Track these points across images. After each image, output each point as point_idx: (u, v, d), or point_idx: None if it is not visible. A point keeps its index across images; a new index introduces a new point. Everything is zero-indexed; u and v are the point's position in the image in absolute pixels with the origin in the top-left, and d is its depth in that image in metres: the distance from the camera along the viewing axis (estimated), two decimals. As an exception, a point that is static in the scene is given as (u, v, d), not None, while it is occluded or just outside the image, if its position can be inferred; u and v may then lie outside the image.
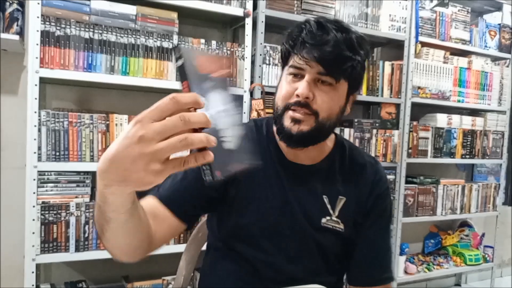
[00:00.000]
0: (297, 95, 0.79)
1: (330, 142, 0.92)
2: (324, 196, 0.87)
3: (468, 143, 2.55)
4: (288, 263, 0.86)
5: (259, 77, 1.87)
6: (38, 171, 1.50)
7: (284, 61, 0.85)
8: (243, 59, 1.83)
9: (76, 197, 1.58)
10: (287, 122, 0.81)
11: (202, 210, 0.89)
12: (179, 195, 0.81)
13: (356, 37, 0.81)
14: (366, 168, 0.92)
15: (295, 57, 0.80)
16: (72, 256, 1.57)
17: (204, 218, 1.16)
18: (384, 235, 0.92)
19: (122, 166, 0.45)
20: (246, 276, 0.87)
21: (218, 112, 0.49)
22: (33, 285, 1.51)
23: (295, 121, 0.80)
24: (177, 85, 1.70)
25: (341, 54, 0.78)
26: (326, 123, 0.81)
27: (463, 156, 2.54)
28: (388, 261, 0.93)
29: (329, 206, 0.87)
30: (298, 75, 0.81)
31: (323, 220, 0.86)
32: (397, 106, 2.30)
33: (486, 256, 2.74)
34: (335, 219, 0.86)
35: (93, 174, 1.62)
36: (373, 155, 2.21)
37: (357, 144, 2.13)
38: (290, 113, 0.81)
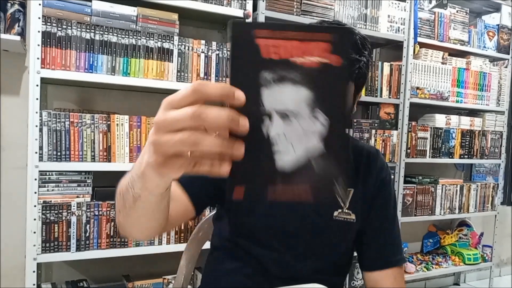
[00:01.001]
0: None
1: None
2: None
3: (467, 143, 2.57)
4: (296, 261, 0.87)
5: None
6: (40, 171, 1.51)
7: None
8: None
9: (77, 197, 1.59)
10: None
11: (213, 199, 0.89)
12: (197, 179, 0.81)
13: (360, 38, 0.83)
14: (369, 158, 0.94)
15: None
16: (73, 255, 1.58)
17: (204, 218, 1.18)
18: (394, 219, 0.94)
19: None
20: (252, 273, 0.88)
21: (280, 115, 0.38)
22: (34, 285, 1.52)
23: None
24: (177, 85, 1.72)
25: (347, 55, 0.79)
26: None
27: (462, 156, 2.55)
28: (399, 243, 0.95)
29: (339, 199, 0.87)
30: None
31: (335, 213, 0.87)
32: (396, 106, 2.32)
33: (485, 255, 2.76)
34: (346, 211, 0.87)
35: (94, 174, 1.63)
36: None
37: (378, 149, 2.14)
38: None
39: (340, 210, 0.87)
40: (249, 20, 1.84)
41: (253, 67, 0.38)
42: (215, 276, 0.95)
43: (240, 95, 0.37)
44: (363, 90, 2.18)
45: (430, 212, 2.46)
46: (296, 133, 0.38)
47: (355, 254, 0.96)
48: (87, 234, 1.59)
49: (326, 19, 2.03)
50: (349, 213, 0.88)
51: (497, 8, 2.74)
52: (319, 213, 0.87)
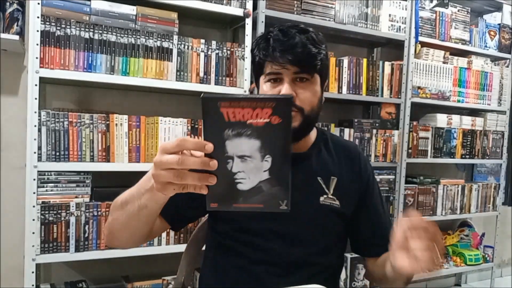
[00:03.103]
0: None
1: (313, 132, 1.01)
2: (318, 178, 0.96)
3: (468, 143, 2.55)
4: (289, 247, 0.91)
5: (259, 77, 1.87)
6: (38, 171, 1.50)
7: (259, 71, 0.94)
8: (243, 59, 1.83)
9: (76, 197, 1.58)
10: None
11: (189, 213, 0.95)
12: (172, 204, 0.83)
13: (315, 35, 0.91)
14: (350, 149, 1.04)
15: (271, 65, 0.89)
16: (72, 256, 1.57)
17: (204, 219, 1.16)
18: (384, 208, 1.05)
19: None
20: (248, 264, 0.91)
21: (240, 157, 0.58)
22: (33, 285, 1.51)
23: None
24: (176, 85, 1.71)
25: (310, 52, 0.88)
26: (311, 115, 0.92)
27: (463, 156, 2.54)
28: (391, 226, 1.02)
29: (324, 186, 0.96)
30: (277, 80, 0.90)
31: (321, 198, 0.95)
32: (397, 106, 2.31)
33: (486, 256, 2.75)
34: (331, 196, 0.95)
35: (93, 174, 1.62)
36: (373, 155, 2.22)
37: (357, 144, 2.14)
38: None
39: (325, 196, 0.95)
40: (249, 19, 1.83)
41: (219, 127, 0.56)
42: (212, 271, 0.98)
43: (209, 147, 0.56)
44: (364, 90, 2.17)
45: (431, 212, 2.45)
46: (251, 168, 0.58)
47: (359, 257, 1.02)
48: (86, 235, 1.58)
49: (326, 18, 2.03)
50: (333, 199, 0.95)
51: (498, 8, 2.72)
52: (306, 199, 0.93)
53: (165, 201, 0.71)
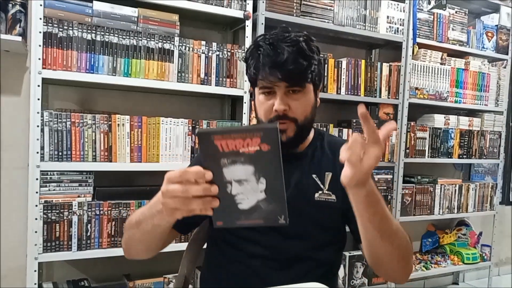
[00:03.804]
0: (276, 110, 0.91)
1: (310, 133, 1.04)
2: (314, 175, 0.98)
3: (465, 143, 2.58)
4: (286, 242, 0.94)
5: (259, 78, 1.89)
6: (41, 171, 1.52)
7: (253, 83, 0.97)
8: (243, 61, 1.85)
9: (79, 197, 1.60)
10: None
11: (196, 218, 0.94)
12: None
13: (305, 42, 0.91)
14: (343, 145, 1.01)
15: (262, 81, 0.92)
16: (74, 254, 1.59)
17: (205, 217, 1.19)
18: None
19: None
20: (246, 258, 0.94)
21: (237, 181, 0.64)
22: (35, 284, 1.53)
23: (281, 131, 0.90)
24: (177, 86, 1.73)
25: (300, 66, 0.89)
26: (305, 123, 0.95)
27: (460, 156, 2.56)
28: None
29: (319, 182, 0.97)
30: (270, 92, 0.93)
31: (316, 195, 0.96)
32: (395, 106, 2.33)
33: (484, 255, 2.77)
34: (326, 192, 0.97)
35: (95, 173, 1.64)
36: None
37: None
38: None
39: (320, 192, 0.97)
40: (249, 21, 1.85)
41: (216, 157, 0.63)
42: (211, 265, 1.01)
43: (208, 176, 0.63)
44: (362, 91, 2.19)
45: (429, 211, 2.47)
46: (248, 190, 0.65)
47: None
48: (88, 234, 1.60)
49: (325, 20, 2.05)
50: (329, 194, 0.97)
51: (496, 9, 2.75)
52: (301, 196, 0.95)
53: (175, 219, 0.76)
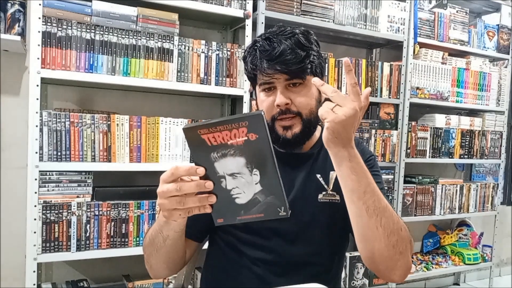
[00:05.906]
0: (278, 105, 0.88)
1: (317, 132, 1.00)
2: (318, 176, 0.95)
3: (467, 143, 2.57)
4: (289, 246, 0.91)
5: (259, 77, 1.88)
6: (40, 171, 1.51)
7: (253, 81, 0.95)
8: (242, 60, 1.84)
9: (78, 197, 1.59)
10: (280, 131, 0.90)
11: (207, 223, 0.93)
12: (188, 222, 0.84)
13: (302, 34, 0.89)
14: None
15: (261, 76, 0.90)
16: (73, 255, 1.58)
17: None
18: (383, 190, 0.98)
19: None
20: (248, 263, 0.92)
21: (230, 175, 0.63)
22: (34, 284, 1.52)
23: (286, 128, 0.90)
24: (177, 85, 1.72)
25: (298, 57, 0.87)
26: (311, 117, 0.91)
27: (462, 156, 2.55)
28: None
29: (323, 183, 0.94)
30: (270, 88, 0.91)
31: (320, 196, 0.93)
32: (396, 106, 2.32)
33: (485, 255, 2.76)
34: (330, 192, 0.94)
35: (94, 173, 1.63)
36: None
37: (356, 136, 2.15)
38: (278, 122, 0.90)
39: (324, 193, 0.93)
40: (249, 20, 1.84)
41: (205, 152, 0.62)
42: (213, 269, 0.99)
43: (200, 171, 0.62)
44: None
45: (430, 212, 2.46)
46: (243, 183, 0.63)
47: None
48: (87, 234, 1.59)
49: (326, 20, 2.05)
50: (333, 195, 0.93)
51: (497, 8, 2.74)
52: (305, 197, 0.93)
53: (181, 227, 0.77)
